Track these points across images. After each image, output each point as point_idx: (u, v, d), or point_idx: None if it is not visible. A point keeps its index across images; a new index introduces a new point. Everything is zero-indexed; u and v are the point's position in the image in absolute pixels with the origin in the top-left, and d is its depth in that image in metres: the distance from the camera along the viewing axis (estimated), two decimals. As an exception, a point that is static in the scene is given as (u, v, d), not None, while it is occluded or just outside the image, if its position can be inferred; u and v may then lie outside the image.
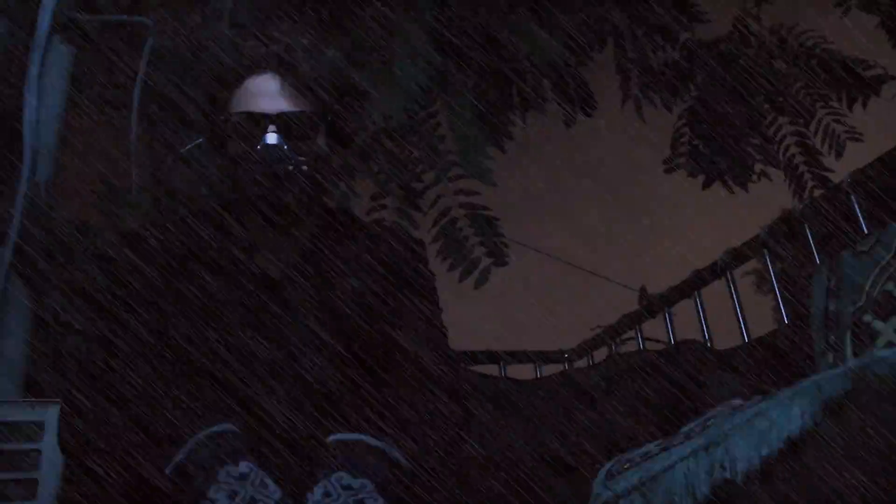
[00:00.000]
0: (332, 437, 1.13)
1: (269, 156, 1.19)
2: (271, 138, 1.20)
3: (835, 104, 3.71)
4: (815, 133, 3.75)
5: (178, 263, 1.24)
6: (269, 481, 1.04)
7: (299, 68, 1.23)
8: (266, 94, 1.23)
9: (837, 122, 3.68)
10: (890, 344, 1.69)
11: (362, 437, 1.12)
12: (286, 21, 1.33)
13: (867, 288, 1.83)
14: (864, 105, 3.63)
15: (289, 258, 1.27)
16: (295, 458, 1.12)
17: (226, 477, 1.02)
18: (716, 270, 2.93)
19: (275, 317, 1.22)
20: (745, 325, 2.84)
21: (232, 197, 1.28)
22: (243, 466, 1.04)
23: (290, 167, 1.20)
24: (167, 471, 1.03)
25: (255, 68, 1.24)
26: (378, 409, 1.18)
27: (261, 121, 1.21)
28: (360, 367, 1.22)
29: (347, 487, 1.06)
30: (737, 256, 2.90)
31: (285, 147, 1.20)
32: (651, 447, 1.32)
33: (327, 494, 1.05)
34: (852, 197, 2.32)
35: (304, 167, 1.22)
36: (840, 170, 3.55)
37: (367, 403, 1.18)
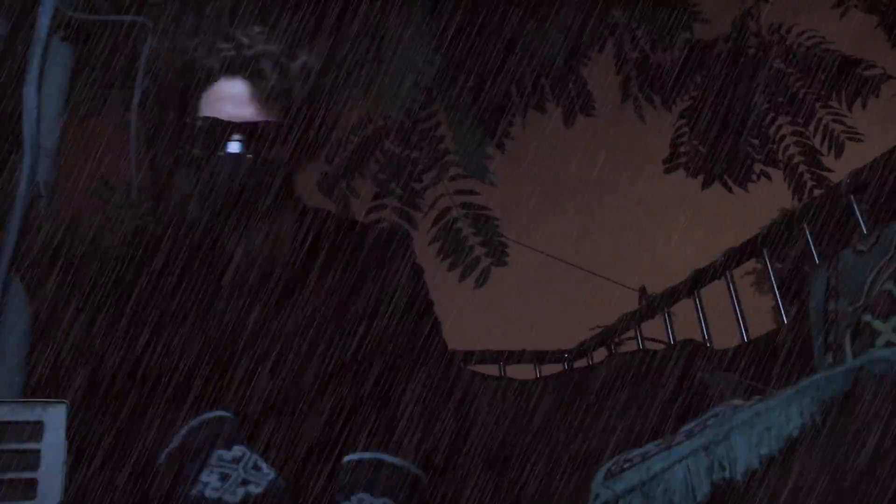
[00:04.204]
0: (347, 458, 1.11)
1: (229, 165, 1.17)
2: (234, 147, 1.18)
3: (834, 104, 3.72)
4: (815, 133, 3.75)
5: (178, 263, 1.24)
6: (262, 464, 1.03)
7: (268, 77, 1.21)
8: (233, 100, 1.21)
9: (837, 122, 3.69)
10: (890, 344, 1.69)
11: (378, 454, 1.11)
12: (258, 25, 1.30)
13: (867, 288, 1.83)
14: (864, 105, 3.63)
15: (258, 261, 1.24)
16: (310, 482, 1.10)
17: (218, 460, 1.02)
18: (715, 270, 2.93)
19: (265, 329, 1.20)
20: (744, 325, 2.85)
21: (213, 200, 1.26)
22: (236, 450, 1.04)
23: (250, 177, 1.18)
24: (161, 458, 1.03)
25: (226, 72, 1.22)
26: (384, 425, 1.16)
27: (226, 128, 1.19)
28: (354, 380, 1.20)
29: None
30: (736, 256, 2.90)
31: (248, 157, 1.18)
32: (651, 447, 1.32)
33: None
34: (852, 197, 2.32)
35: (266, 177, 1.20)
36: (839, 170, 3.55)
37: (369, 419, 1.16)
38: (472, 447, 1.19)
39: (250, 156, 1.18)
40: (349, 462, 1.10)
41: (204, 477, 1.01)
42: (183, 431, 1.06)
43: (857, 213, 2.29)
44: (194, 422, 1.06)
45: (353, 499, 1.05)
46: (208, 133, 1.19)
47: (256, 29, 1.26)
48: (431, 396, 1.19)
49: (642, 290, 5.06)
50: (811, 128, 3.77)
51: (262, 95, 1.20)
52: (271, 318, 1.20)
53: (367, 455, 1.11)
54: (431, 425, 1.16)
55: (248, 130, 1.19)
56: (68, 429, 1.11)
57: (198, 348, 1.16)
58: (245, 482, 1.01)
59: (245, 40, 1.23)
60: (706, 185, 3.94)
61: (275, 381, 1.15)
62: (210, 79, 1.23)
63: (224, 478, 1.01)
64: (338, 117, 1.34)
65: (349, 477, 1.08)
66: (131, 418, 1.08)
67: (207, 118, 1.20)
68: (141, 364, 1.14)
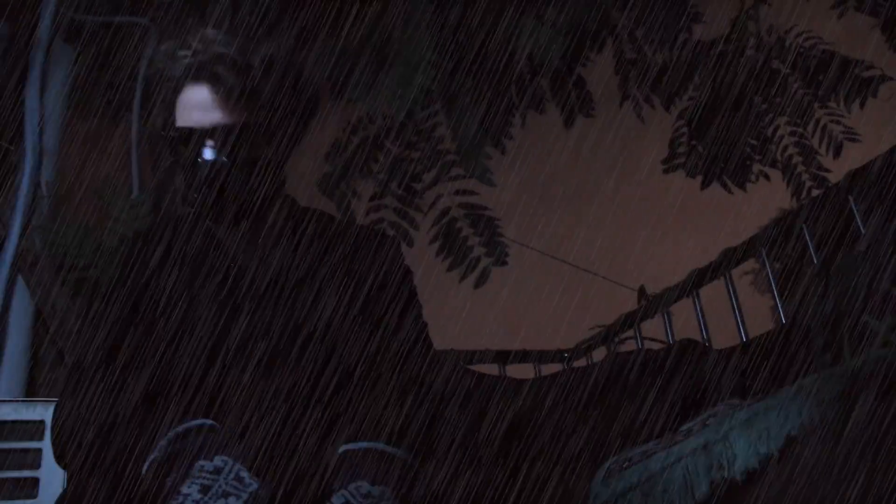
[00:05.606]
0: (342, 448, 1.11)
1: (206, 171, 1.18)
2: (208, 154, 1.19)
3: (832, 105, 3.73)
4: (813, 133, 3.76)
5: (173, 266, 1.24)
6: (244, 474, 1.02)
7: (226, 79, 1.20)
8: (200, 107, 1.21)
9: (835, 122, 3.70)
10: (887, 343, 1.70)
11: (373, 444, 1.11)
12: (212, 27, 1.30)
13: (866, 288, 1.84)
14: (862, 105, 3.64)
15: (262, 263, 1.25)
16: (304, 474, 1.09)
17: (199, 471, 1.02)
18: (715, 270, 2.94)
19: (253, 322, 1.21)
20: (743, 324, 2.85)
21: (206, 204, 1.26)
22: (218, 461, 1.03)
23: (230, 181, 1.19)
24: (145, 469, 1.03)
25: (190, 79, 1.22)
26: (372, 414, 1.16)
27: (197, 135, 1.20)
28: (341, 373, 1.21)
29: (367, 495, 1.04)
30: (735, 256, 2.90)
31: (223, 161, 1.18)
32: (651, 446, 1.33)
33: (347, 503, 1.04)
34: (850, 197, 2.33)
35: (248, 178, 1.20)
36: (838, 170, 3.56)
37: (357, 409, 1.17)
38: (473, 446, 1.20)
39: (225, 160, 1.19)
40: (344, 452, 1.11)
41: (184, 489, 0.99)
42: (165, 440, 1.05)
43: (856, 213, 2.30)
44: (178, 430, 1.06)
45: (351, 487, 1.05)
46: (183, 143, 1.21)
47: (210, 33, 1.25)
48: (415, 387, 1.20)
49: (642, 290, 5.05)
50: (809, 128, 3.78)
51: (225, 98, 1.20)
52: (261, 323, 1.20)
53: (363, 444, 1.11)
54: (413, 410, 1.16)
55: (217, 135, 1.19)
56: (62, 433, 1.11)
57: (186, 353, 1.16)
58: (226, 494, 1.00)
59: (200, 45, 1.23)
60: (705, 185, 3.95)
61: (262, 388, 1.14)
62: (177, 87, 1.23)
63: (204, 490, 0.99)
64: (315, 104, 1.33)
65: (345, 467, 1.08)
66: (119, 423, 1.08)
67: (179, 128, 1.21)
68: (128, 368, 1.14)
